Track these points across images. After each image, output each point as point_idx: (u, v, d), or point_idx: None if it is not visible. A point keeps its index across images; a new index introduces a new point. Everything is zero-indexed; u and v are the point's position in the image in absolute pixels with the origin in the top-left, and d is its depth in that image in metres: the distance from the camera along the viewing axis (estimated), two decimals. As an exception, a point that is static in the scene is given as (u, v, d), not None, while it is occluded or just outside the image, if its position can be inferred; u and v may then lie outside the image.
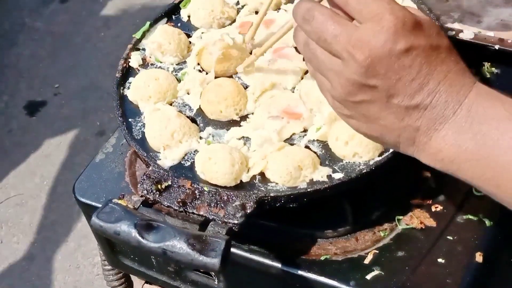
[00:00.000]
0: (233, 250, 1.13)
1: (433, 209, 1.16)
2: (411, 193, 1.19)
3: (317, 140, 1.15)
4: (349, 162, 1.11)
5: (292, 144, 1.15)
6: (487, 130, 0.79)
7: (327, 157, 1.13)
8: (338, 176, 1.09)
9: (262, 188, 1.09)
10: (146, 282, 1.49)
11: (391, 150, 1.09)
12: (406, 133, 0.84)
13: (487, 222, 1.13)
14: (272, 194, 1.06)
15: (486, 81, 1.34)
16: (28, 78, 3.53)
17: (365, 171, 1.07)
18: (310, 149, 1.14)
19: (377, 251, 1.12)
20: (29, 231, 2.85)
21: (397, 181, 1.20)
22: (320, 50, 0.84)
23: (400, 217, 1.16)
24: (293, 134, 1.17)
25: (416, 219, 1.15)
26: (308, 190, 1.07)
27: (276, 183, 1.10)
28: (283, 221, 1.19)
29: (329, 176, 1.09)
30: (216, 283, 1.18)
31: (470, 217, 1.14)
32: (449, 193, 1.18)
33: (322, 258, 1.13)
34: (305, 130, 1.17)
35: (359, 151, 1.10)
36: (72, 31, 3.66)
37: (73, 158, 3.10)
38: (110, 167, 1.35)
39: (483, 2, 1.49)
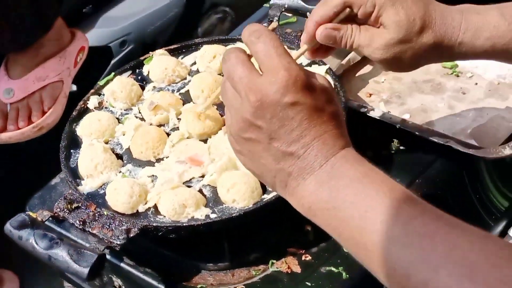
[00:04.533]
0: (127, 267, 1.33)
1: (303, 258, 1.32)
2: (291, 242, 1.36)
3: (209, 185, 1.35)
4: (227, 206, 1.30)
5: (189, 186, 1.35)
6: (340, 185, 0.90)
7: (213, 200, 1.32)
8: (213, 216, 1.28)
9: (151, 219, 1.30)
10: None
11: (264, 201, 1.28)
12: (280, 176, 0.96)
13: (344, 275, 1.28)
14: (154, 224, 1.26)
15: (390, 156, 1.50)
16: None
17: (234, 215, 1.25)
18: (202, 192, 1.34)
19: (244, 287, 1.30)
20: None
21: (278, 230, 1.38)
22: (229, 86, 0.97)
23: (274, 261, 1.32)
24: (193, 178, 1.37)
25: (285, 264, 1.32)
26: (184, 224, 1.26)
27: (164, 216, 1.30)
28: (177, 252, 1.38)
29: (207, 216, 1.28)
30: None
31: (332, 269, 1.29)
32: (322, 247, 1.34)
33: (199, 286, 1.32)
34: (203, 176, 1.37)
35: (237, 198, 1.28)
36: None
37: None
38: (61, 190, 1.58)
39: (412, 88, 1.66)
